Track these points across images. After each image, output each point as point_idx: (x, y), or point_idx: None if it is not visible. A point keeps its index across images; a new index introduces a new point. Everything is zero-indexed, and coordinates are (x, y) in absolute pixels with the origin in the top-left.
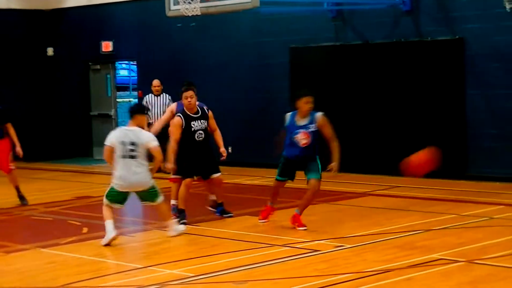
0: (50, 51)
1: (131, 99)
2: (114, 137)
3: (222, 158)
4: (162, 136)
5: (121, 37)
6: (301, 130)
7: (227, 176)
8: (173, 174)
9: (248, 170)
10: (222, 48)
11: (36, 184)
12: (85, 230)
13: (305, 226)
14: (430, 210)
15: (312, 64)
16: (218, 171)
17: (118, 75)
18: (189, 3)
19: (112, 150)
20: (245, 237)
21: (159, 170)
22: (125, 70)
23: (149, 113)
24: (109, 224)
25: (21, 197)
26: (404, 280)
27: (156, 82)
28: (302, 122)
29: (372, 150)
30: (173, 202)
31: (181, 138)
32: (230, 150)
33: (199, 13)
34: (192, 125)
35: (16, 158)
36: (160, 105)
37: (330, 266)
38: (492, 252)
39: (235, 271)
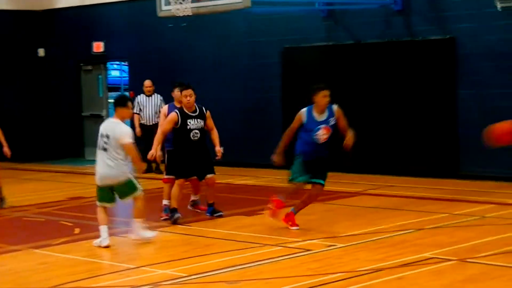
0: (41, 51)
1: None
2: (100, 129)
3: (217, 158)
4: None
5: (112, 37)
6: (322, 126)
7: (219, 175)
8: (166, 174)
9: (240, 170)
10: (214, 48)
11: (28, 185)
12: (77, 230)
13: (298, 226)
14: (422, 209)
15: (305, 64)
16: (213, 172)
17: (110, 76)
18: (180, 3)
19: None
20: (238, 237)
21: (150, 170)
22: (116, 71)
23: (141, 113)
24: (102, 230)
25: (1, 199)
26: (396, 279)
27: (147, 82)
28: (321, 117)
29: (365, 149)
30: (165, 202)
31: (176, 136)
32: (222, 150)
33: (190, 13)
34: (188, 123)
35: (4, 158)
36: (152, 106)
37: (323, 265)
38: (484, 251)
39: (227, 271)
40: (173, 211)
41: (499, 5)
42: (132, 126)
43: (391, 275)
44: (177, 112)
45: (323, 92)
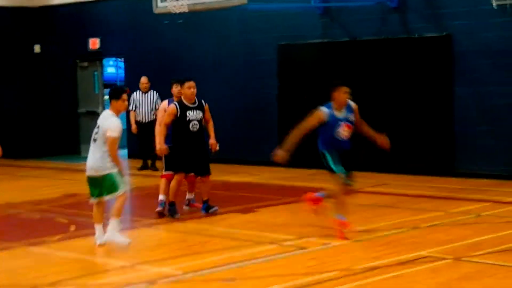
0: (37, 48)
1: None
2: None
3: (212, 151)
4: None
5: (108, 34)
6: (343, 123)
7: (215, 173)
8: (165, 170)
9: (236, 167)
10: (210, 45)
11: (24, 182)
12: (73, 227)
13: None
14: (418, 207)
15: (300, 61)
16: (209, 173)
17: (106, 72)
18: (176, 0)
19: None
20: (233, 235)
21: (146, 167)
22: (112, 67)
23: (137, 110)
24: (96, 229)
25: None
26: (392, 277)
27: (144, 79)
28: (341, 114)
29: (360, 147)
30: (161, 197)
31: (175, 128)
32: (218, 148)
33: (187, 10)
34: (188, 115)
35: None
36: (148, 102)
37: (319, 263)
38: (481, 249)
39: (223, 269)
40: (171, 204)
41: (495, 3)
42: (128, 123)
43: (387, 273)
44: (176, 104)
45: (343, 88)
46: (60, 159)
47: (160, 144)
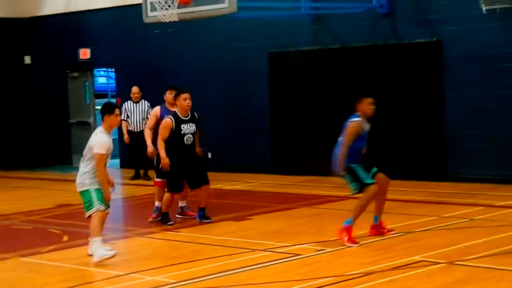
0: (27, 59)
1: None
2: None
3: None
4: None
5: (99, 44)
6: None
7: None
8: (157, 177)
9: (228, 175)
10: (201, 54)
11: (15, 193)
12: (65, 238)
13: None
14: (410, 212)
15: (291, 69)
16: (207, 182)
17: (97, 83)
18: (167, 9)
19: None
20: (226, 243)
21: (138, 177)
22: (103, 77)
23: (129, 120)
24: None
25: None
26: (386, 282)
27: (135, 89)
28: (367, 126)
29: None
30: (157, 204)
31: (170, 141)
32: (210, 156)
33: (177, 19)
34: (182, 128)
35: None
36: (140, 112)
37: (312, 270)
38: (474, 253)
39: (217, 277)
40: (164, 215)
41: (484, 8)
42: (120, 133)
43: (381, 279)
44: (171, 117)
45: (369, 99)
46: (51, 170)
47: (164, 158)
